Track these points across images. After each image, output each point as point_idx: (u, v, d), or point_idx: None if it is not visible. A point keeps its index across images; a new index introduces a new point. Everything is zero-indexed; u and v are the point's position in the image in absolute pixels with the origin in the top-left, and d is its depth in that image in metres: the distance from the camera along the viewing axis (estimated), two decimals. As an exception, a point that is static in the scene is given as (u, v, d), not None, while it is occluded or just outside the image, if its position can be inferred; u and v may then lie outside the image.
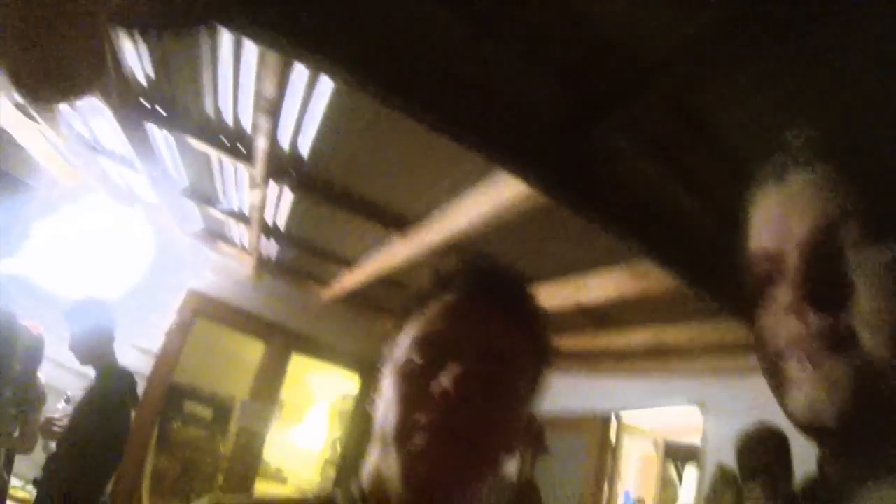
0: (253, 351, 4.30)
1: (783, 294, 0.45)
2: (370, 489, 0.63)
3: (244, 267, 3.95)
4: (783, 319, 0.45)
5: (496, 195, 1.76)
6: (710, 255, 1.70)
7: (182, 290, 3.92)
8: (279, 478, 5.24)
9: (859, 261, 0.41)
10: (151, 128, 2.25)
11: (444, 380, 0.58)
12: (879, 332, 0.39)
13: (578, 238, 2.01)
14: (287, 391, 4.54)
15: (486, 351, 0.62)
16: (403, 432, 0.59)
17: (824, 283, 0.42)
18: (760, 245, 0.49)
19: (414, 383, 0.61)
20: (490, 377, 0.61)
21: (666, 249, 1.72)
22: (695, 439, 4.46)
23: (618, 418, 3.93)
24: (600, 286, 2.15)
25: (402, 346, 0.65)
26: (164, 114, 2.14)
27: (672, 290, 1.92)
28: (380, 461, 0.61)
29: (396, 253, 2.49)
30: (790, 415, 0.44)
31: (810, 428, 0.43)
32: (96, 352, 2.66)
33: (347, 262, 3.14)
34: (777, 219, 0.47)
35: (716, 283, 1.79)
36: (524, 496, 4.21)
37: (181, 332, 3.89)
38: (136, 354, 3.58)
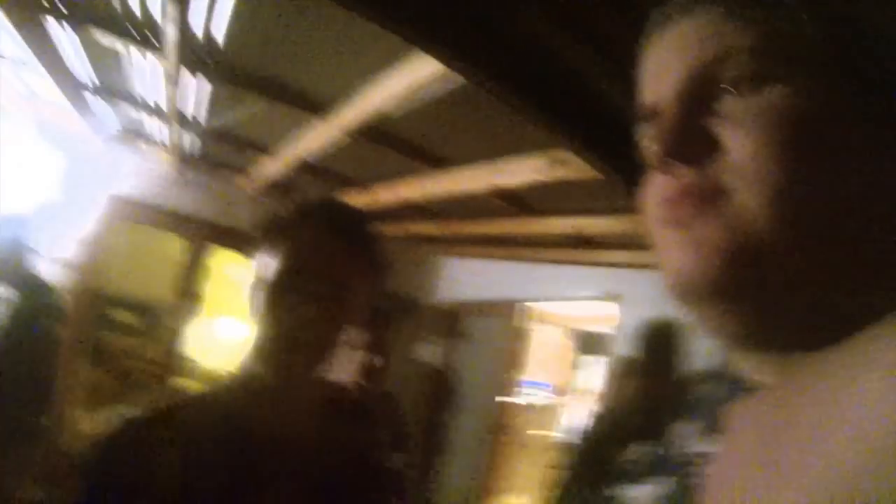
0: (177, 250, 4.07)
1: (654, 154, 0.39)
2: (249, 374, 0.82)
3: (165, 165, 3.64)
4: (656, 180, 0.40)
5: (415, 76, 1.61)
6: (630, 145, 1.62)
7: (102, 195, 3.57)
8: (206, 375, 5.14)
9: (737, 106, 0.36)
10: (50, 23, 1.92)
11: (298, 299, 0.78)
12: (755, 182, 0.34)
13: (498, 122, 1.90)
14: (211, 286, 4.37)
15: (331, 277, 0.81)
16: (271, 337, 0.79)
17: (692, 132, 0.37)
18: (642, 101, 0.43)
19: (278, 300, 0.79)
20: (333, 299, 0.80)
21: (586, 137, 1.63)
22: (605, 329, 4.63)
23: (531, 305, 3.99)
24: (519, 171, 2.05)
25: (268, 266, 0.81)
26: (62, 7, 1.81)
27: (591, 180, 1.85)
28: (256, 356, 0.81)
29: (316, 138, 2.32)
30: (665, 284, 0.39)
31: (683, 296, 0.38)
32: (14, 269, 2.44)
33: (267, 151, 2.94)
34: (658, 69, 0.42)
35: (634, 174, 1.71)
36: (439, 380, 4.33)
37: (103, 240, 3.60)
38: (59, 268, 3.28)
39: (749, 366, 0.40)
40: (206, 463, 0.74)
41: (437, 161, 2.37)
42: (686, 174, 0.37)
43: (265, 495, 0.78)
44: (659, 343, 2.05)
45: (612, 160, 1.70)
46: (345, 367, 1.84)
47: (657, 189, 0.40)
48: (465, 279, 4.43)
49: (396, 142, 2.26)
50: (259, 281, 0.81)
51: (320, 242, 0.81)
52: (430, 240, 4.06)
